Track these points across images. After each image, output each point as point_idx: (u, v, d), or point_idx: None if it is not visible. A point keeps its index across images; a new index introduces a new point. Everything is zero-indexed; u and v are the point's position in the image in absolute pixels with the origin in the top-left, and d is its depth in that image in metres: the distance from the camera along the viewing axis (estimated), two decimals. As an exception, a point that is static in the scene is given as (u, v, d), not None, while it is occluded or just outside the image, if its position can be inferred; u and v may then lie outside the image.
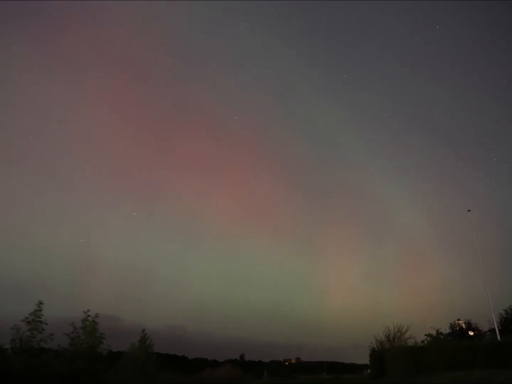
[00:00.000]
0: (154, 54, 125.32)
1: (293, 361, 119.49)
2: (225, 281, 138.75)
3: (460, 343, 21.86)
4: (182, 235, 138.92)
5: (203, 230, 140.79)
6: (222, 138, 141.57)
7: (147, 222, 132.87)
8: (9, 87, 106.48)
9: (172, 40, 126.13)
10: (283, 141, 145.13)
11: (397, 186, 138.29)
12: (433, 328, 30.94)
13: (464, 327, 33.04)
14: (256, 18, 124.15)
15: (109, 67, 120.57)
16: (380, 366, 27.65)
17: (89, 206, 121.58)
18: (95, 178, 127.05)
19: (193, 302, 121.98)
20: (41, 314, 11.67)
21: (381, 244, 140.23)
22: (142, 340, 17.92)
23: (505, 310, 29.45)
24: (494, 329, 24.29)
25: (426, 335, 30.62)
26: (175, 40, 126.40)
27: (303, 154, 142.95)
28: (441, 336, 30.47)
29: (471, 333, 32.26)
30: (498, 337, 22.80)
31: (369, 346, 33.39)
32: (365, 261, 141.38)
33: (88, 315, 13.25)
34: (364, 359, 51.73)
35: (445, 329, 32.60)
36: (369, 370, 39.12)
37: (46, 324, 11.71)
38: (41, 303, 11.81)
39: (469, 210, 28.04)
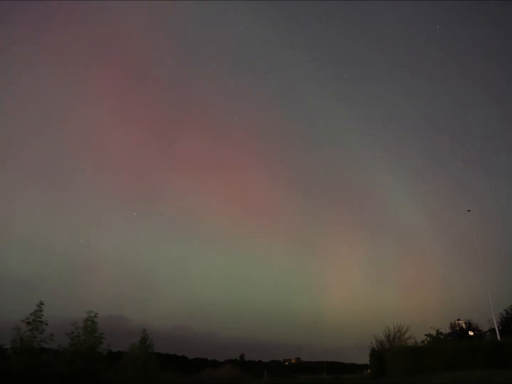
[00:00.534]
0: (154, 54, 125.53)
1: (293, 361, 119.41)
2: (225, 281, 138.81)
3: (460, 343, 21.85)
4: (182, 235, 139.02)
5: (203, 230, 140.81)
6: (222, 138, 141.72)
7: (147, 222, 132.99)
8: (9, 87, 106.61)
9: (172, 40, 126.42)
10: (283, 141, 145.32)
11: (397, 186, 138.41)
12: (433, 328, 30.97)
13: (464, 327, 33.05)
14: (256, 18, 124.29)
15: (109, 67, 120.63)
16: (380, 366, 27.64)
17: (89, 206, 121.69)
18: (95, 178, 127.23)
19: (193, 302, 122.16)
20: (42, 315, 11.70)
21: (381, 244, 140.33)
22: (143, 340, 17.94)
23: (505, 310, 29.46)
24: (494, 329, 24.28)
25: (426, 335, 30.64)
26: (175, 40, 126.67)
27: (303, 154, 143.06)
28: (441, 336, 30.46)
29: (471, 333, 32.26)
30: (498, 337, 22.80)
31: (369, 346, 33.42)
32: (365, 261, 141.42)
33: (91, 316, 13.30)
34: (364, 359, 51.74)
35: (445, 329, 32.65)
36: (369, 370, 39.11)
37: (47, 324, 11.73)
38: (42, 304, 11.82)
39: (469, 210, 28.05)
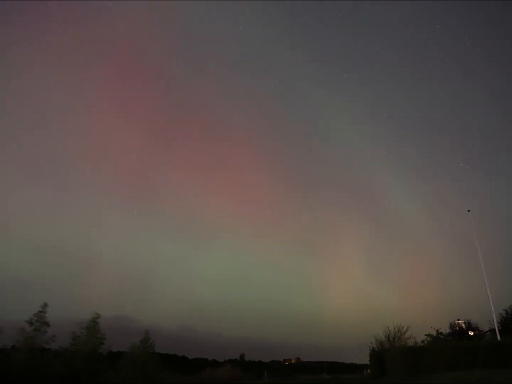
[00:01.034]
0: (154, 54, 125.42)
1: (293, 361, 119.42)
2: (225, 281, 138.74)
3: (460, 343, 21.85)
4: (182, 235, 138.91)
5: (203, 230, 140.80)
6: (222, 138, 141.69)
7: (147, 222, 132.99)
8: (9, 87, 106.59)
9: (172, 40, 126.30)
10: (283, 141, 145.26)
11: (397, 186, 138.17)
12: (433, 328, 30.97)
13: (464, 327, 33.04)
14: (256, 18, 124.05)
15: (109, 67, 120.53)
16: (380, 366, 27.65)
17: (89, 206, 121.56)
18: (95, 178, 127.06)
19: (193, 302, 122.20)
20: (45, 316, 11.72)
21: (381, 244, 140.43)
22: (144, 340, 17.94)
23: (505, 310, 29.43)
24: (494, 329, 24.27)
25: (426, 335, 30.65)
26: (175, 40, 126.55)
27: (303, 154, 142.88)
28: (441, 336, 30.47)
29: (471, 333, 32.25)
30: (498, 337, 22.78)
31: (369, 346, 33.42)
32: (365, 261, 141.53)
33: (94, 316, 13.33)
34: (364, 359, 51.71)
35: (445, 329, 32.62)
36: (369, 370, 39.12)
37: (49, 325, 11.76)
38: (46, 305, 11.84)
39: (469, 210, 28.00)
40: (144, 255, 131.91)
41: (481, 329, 32.26)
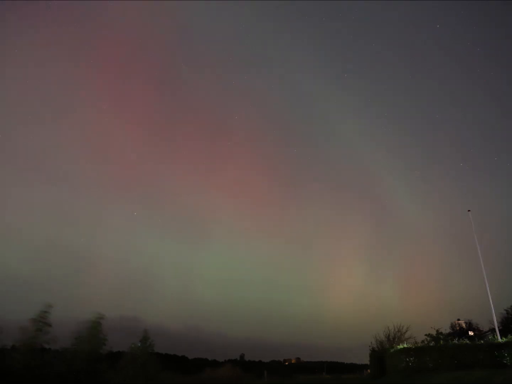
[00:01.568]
0: (154, 54, 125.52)
1: (293, 361, 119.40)
2: (225, 281, 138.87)
3: (460, 343, 21.83)
4: (182, 235, 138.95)
5: (203, 230, 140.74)
6: (222, 138, 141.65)
7: (147, 222, 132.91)
8: (9, 87, 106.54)
9: (172, 40, 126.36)
10: (283, 141, 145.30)
11: (397, 186, 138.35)
12: (433, 328, 30.93)
13: (464, 327, 33.06)
14: (256, 18, 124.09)
15: (109, 67, 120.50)
16: (380, 366, 27.66)
17: (89, 205, 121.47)
18: (95, 178, 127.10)
19: (193, 302, 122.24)
20: (47, 316, 11.73)
21: (381, 244, 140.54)
22: (143, 340, 17.94)
23: (505, 310, 29.50)
24: (494, 329, 24.26)
25: (426, 335, 30.59)
26: (175, 40, 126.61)
27: (303, 154, 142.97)
28: (441, 336, 30.43)
29: (471, 333, 32.25)
30: (499, 337, 22.76)
31: (369, 346, 33.41)
32: (365, 261, 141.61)
33: (97, 317, 13.33)
34: (364, 359, 51.70)
35: (445, 329, 32.64)
36: (369, 370, 39.12)
37: (50, 326, 11.77)
38: (50, 306, 11.84)
39: (469, 210, 27.97)
40: (144, 255, 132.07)
41: (481, 329, 32.29)
